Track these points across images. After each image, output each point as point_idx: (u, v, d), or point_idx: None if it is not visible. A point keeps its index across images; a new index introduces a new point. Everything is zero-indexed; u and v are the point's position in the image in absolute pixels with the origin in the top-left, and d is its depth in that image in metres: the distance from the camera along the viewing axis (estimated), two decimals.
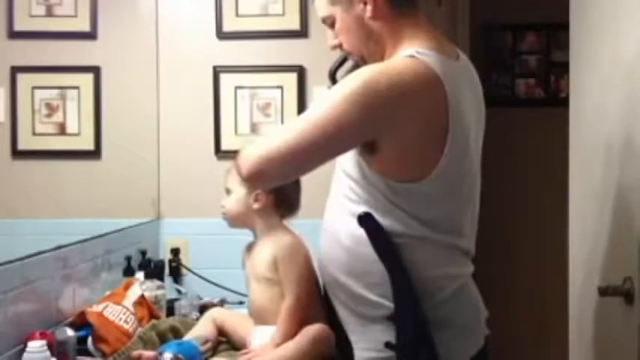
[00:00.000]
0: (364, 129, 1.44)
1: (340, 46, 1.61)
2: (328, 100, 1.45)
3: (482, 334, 1.56)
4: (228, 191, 1.98)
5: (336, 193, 1.59)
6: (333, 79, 1.77)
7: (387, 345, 1.46)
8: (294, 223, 1.97)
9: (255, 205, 1.93)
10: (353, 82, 1.44)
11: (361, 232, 1.49)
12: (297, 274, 1.86)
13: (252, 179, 1.51)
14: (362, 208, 1.49)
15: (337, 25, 1.59)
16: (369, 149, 1.46)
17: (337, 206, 1.57)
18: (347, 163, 1.54)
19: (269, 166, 1.46)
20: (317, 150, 1.46)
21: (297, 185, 1.95)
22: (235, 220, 1.98)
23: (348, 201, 1.53)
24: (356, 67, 1.67)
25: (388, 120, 1.42)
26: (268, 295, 1.90)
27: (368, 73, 1.45)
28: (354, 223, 1.50)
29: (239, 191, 1.95)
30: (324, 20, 1.62)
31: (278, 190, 1.93)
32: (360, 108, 1.41)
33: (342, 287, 1.56)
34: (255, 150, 1.48)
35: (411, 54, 1.46)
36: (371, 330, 1.50)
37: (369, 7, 1.52)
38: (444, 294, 1.49)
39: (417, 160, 1.46)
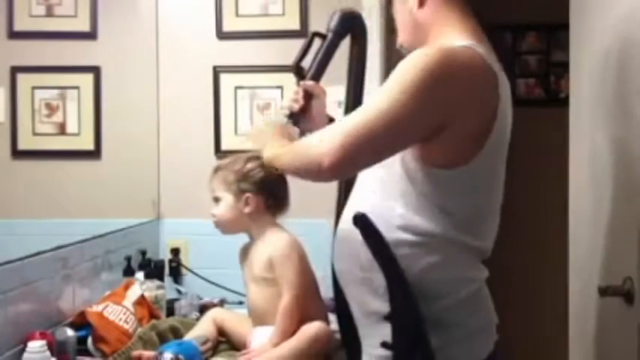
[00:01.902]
0: (434, 114, 1.42)
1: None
2: (397, 88, 1.42)
3: (493, 339, 1.55)
4: (216, 199, 1.97)
5: (363, 189, 1.58)
6: (298, 70, 1.79)
7: (384, 345, 1.46)
8: (296, 222, 1.97)
9: (247, 209, 1.94)
10: (418, 66, 1.42)
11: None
12: (294, 272, 1.87)
13: (335, 170, 1.43)
14: (391, 203, 1.48)
15: (396, 19, 1.64)
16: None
17: (362, 201, 1.56)
18: None
19: (351, 155, 1.41)
20: (392, 137, 1.43)
21: (283, 182, 1.95)
22: (228, 227, 1.98)
23: (376, 196, 1.53)
24: (324, 58, 1.76)
25: (455, 104, 1.42)
26: (266, 295, 1.90)
27: (431, 57, 1.42)
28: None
29: (227, 198, 1.95)
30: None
31: (265, 190, 1.93)
32: (430, 93, 1.40)
33: (356, 282, 1.55)
34: (330, 139, 1.43)
35: (465, 45, 1.48)
36: (380, 327, 1.49)
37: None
38: (460, 295, 1.48)
39: (467, 143, 1.45)
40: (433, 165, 1.46)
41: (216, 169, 2.00)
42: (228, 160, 2.01)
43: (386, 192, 1.51)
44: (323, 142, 1.43)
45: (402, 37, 1.64)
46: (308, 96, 1.82)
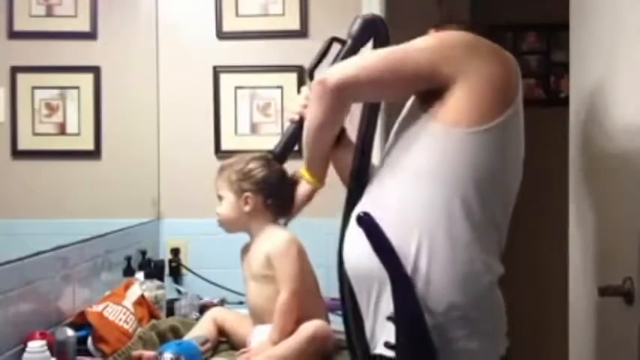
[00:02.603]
0: (443, 60, 1.50)
1: None
2: (413, 41, 1.53)
3: (505, 344, 1.54)
4: (220, 198, 1.98)
5: (384, 185, 1.59)
6: (312, 77, 1.77)
7: (386, 345, 1.46)
8: (296, 222, 1.97)
9: (246, 208, 1.94)
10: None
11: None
12: (291, 268, 1.87)
13: (338, 84, 1.53)
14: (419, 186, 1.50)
15: None
16: (441, 93, 1.50)
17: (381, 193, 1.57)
18: (409, 146, 1.55)
19: (353, 75, 1.52)
20: (400, 66, 1.52)
21: (285, 182, 1.94)
22: (231, 225, 1.99)
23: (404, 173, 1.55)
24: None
25: (468, 58, 1.50)
26: (265, 293, 1.90)
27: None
28: None
29: (229, 196, 1.96)
30: None
31: (265, 190, 1.93)
32: (443, 43, 1.52)
33: (365, 280, 1.54)
34: (339, 66, 1.57)
35: None
36: (386, 327, 1.48)
37: None
38: (484, 281, 1.48)
39: (488, 102, 1.53)
40: (462, 126, 1.50)
41: (222, 169, 2.01)
42: (233, 159, 2.02)
43: (408, 170, 1.53)
44: (334, 69, 1.57)
45: None
46: None
